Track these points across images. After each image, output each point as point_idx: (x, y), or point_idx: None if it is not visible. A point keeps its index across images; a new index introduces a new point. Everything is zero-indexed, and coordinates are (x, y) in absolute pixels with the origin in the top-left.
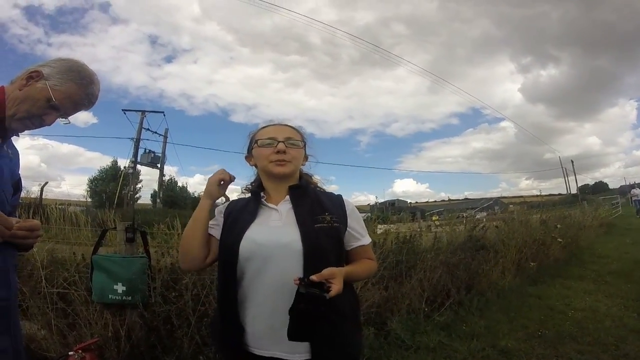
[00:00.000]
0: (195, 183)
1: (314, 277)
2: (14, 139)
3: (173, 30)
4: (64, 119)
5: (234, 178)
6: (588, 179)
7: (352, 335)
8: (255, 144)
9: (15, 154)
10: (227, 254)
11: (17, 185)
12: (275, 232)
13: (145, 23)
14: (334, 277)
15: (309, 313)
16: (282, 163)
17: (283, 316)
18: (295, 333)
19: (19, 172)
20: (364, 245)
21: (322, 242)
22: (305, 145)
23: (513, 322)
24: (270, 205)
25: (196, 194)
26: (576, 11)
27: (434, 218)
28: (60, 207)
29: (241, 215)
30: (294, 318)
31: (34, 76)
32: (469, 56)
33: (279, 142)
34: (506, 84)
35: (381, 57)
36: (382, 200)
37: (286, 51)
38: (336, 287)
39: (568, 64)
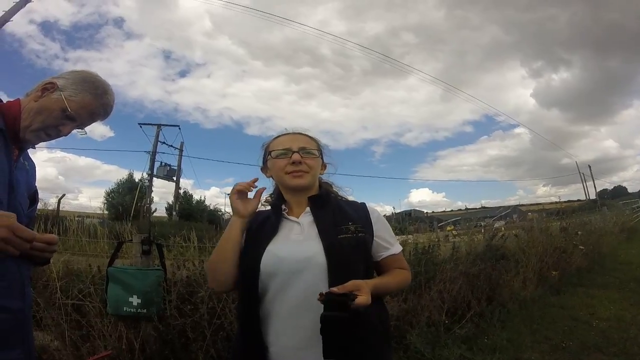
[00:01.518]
0: (212, 196)
1: (334, 289)
2: (30, 151)
3: (186, 45)
4: (80, 130)
5: (254, 183)
6: (607, 183)
7: (382, 351)
8: (270, 155)
9: (32, 166)
10: (247, 270)
11: (34, 197)
12: (297, 246)
13: (158, 38)
14: (359, 289)
15: (332, 321)
16: (298, 174)
17: (308, 333)
18: (326, 349)
19: (35, 184)
20: (394, 255)
21: (347, 253)
22: (321, 154)
23: (536, 334)
24: (291, 218)
25: (212, 207)
26: (583, 13)
27: (448, 228)
28: (78, 218)
29: (262, 230)
30: (323, 333)
31: (48, 87)
32: (480, 63)
33: (294, 152)
34: (518, 89)
35: (392, 67)
36: (399, 211)
37: (298, 63)
38: (362, 298)
39: (579, 66)
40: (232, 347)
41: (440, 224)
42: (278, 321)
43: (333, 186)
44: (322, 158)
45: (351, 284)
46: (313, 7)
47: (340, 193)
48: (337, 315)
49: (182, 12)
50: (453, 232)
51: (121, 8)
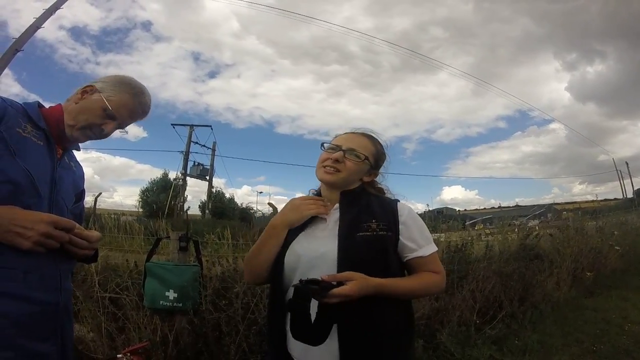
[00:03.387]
0: (243, 194)
1: (324, 277)
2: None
3: (214, 46)
4: (122, 130)
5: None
6: None
7: (392, 355)
8: (322, 147)
9: (79, 167)
10: (274, 264)
11: (80, 196)
12: (317, 242)
13: (187, 40)
14: (350, 280)
15: (291, 308)
16: (330, 170)
17: None
18: (291, 330)
19: (83, 185)
20: (422, 257)
21: (361, 252)
22: (375, 161)
23: (567, 337)
24: (320, 215)
25: (244, 205)
26: (615, 3)
27: (477, 227)
28: (114, 216)
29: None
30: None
31: (88, 90)
32: (512, 56)
33: (340, 150)
34: (552, 83)
35: (422, 62)
36: (431, 209)
37: (326, 61)
38: (345, 289)
39: (614, 58)
40: (265, 334)
41: (470, 222)
42: None
43: (387, 193)
44: (372, 165)
45: (342, 275)
46: (339, 4)
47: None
48: (294, 304)
49: (209, 14)
50: (486, 230)
51: (148, 12)
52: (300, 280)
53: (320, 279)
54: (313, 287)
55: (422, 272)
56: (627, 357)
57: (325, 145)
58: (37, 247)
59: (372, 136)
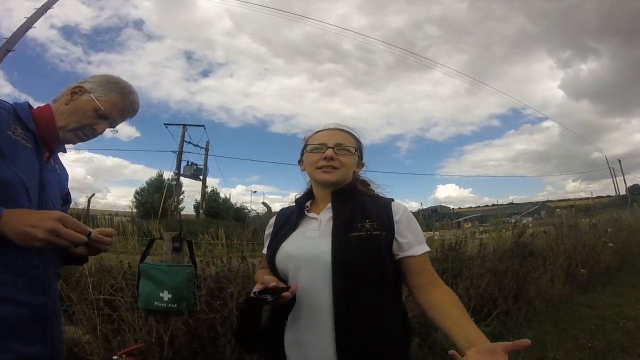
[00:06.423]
0: (237, 194)
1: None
2: (60, 154)
3: (207, 45)
4: (112, 129)
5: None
6: (637, 178)
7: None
8: (306, 149)
9: (63, 169)
10: (268, 265)
11: (67, 198)
12: (308, 243)
13: (179, 39)
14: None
15: (244, 313)
16: (328, 170)
17: (305, 329)
18: (236, 333)
19: (68, 187)
20: (414, 256)
21: (356, 253)
22: (360, 152)
23: (562, 333)
24: (310, 215)
25: (238, 205)
26: (610, 1)
27: (466, 226)
28: (107, 217)
29: (283, 227)
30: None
31: (77, 91)
32: (506, 54)
33: (329, 147)
34: (546, 81)
35: (416, 61)
36: (425, 207)
37: (320, 60)
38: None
39: (609, 56)
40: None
41: (456, 220)
42: (290, 313)
43: (371, 184)
44: (359, 156)
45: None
46: (333, 2)
47: (378, 191)
48: (245, 312)
49: (202, 12)
50: (480, 228)
51: (140, 10)
52: (254, 293)
53: (256, 292)
54: (264, 297)
55: (448, 297)
56: (622, 353)
57: (309, 147)
58: (48, 245)
59: (347, 130)
